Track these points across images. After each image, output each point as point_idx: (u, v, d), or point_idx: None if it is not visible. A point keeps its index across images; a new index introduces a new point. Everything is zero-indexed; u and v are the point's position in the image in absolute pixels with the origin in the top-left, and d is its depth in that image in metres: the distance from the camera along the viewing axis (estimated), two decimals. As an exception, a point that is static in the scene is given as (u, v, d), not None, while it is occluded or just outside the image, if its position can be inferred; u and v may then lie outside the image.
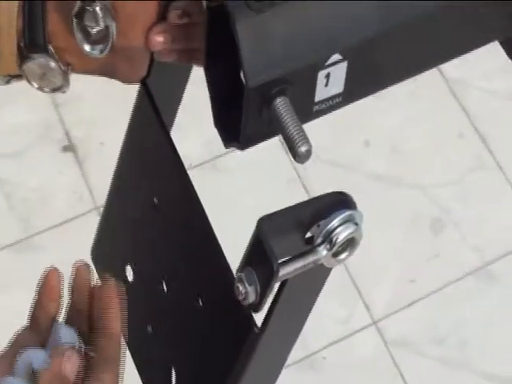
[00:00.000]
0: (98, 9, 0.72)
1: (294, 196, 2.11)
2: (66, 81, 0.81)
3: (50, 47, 0.79)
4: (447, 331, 2.07)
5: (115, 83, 0.83)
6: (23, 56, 0.78)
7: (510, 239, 2.18)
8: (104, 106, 2.12)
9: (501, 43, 0.77)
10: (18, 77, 0.83)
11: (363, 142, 2.26)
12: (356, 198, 2.06)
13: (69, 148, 2.20)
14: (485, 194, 2.23)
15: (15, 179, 2.15)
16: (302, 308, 0.75)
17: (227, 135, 0.69)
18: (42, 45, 0.78)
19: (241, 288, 0.66)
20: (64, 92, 0.83)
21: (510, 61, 2.36)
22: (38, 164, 2.18)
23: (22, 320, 0.78)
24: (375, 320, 2.07)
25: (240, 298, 0.66)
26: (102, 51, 0.76)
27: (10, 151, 2.18)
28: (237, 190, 2.10)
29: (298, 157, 0.63)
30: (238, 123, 0.66)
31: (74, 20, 0.75)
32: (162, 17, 0.76)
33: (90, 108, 2.22)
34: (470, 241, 2.17)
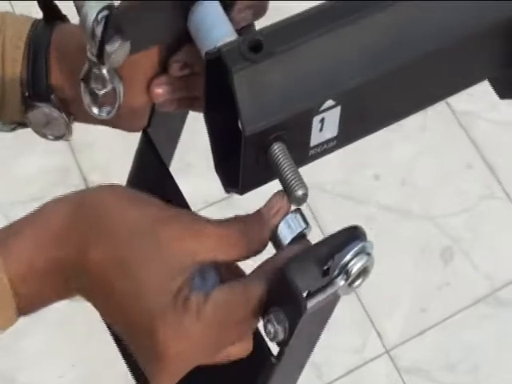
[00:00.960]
0: (104, 71, 0.74)
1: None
2: (69, 130, 0.84)
3: (53, 97, 0.81)
4: (459, 358, 2.08)
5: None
6: (27, 105, 0.81)
7: (517, 266, 2.21)
8: (118, 150, 2.15)
9: (489, 81, 0.77)
10: (24, 124, 0.85)
11: (373, 175, 2.29)
12: (367, 230, 2.10)
13: (86, 192, 2.21)
14: (494, 222, 2.25)
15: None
16: (314, 335, 0.74)
17: (227, 181, 0.70)
18: (45, 95, 0.80)
19: (270, 328, 0.66)
20: (67, 140, 0.86)
21: None
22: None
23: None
24: (388, 349, 2.09)
25: (269, 337, 0.66)
26: (109, 113, 0.77)
27: (29, 198, 2.20)
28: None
29: (295, 200, 0.64)
30: (237, 169, 0.66)
31: (82, 84, 0.76)
32: (163, 69, 0.77)
33: (105, 152, 2.26)
34: (480, 268, 2.18)
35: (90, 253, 0.63)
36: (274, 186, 0.68)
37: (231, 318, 0.64)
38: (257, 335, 0.69)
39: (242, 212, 2.13)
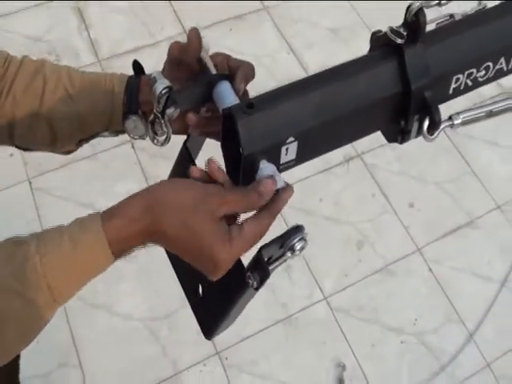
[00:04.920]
0: (163, 122, 0.73)
1: (279, 229, 2.15)
2: (146, 132, 0.81)
3: (140, 111, 0.80)
4: (365, 303, 2.10)
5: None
6: (125, 116, 0.80)
7: (399, 251, 2.21)
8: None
9: (381, 132, 0.75)
10: (121, 132, 0.83)
11: (319, 199, 2.28)
12: (314, 231, 2.08)
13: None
14: (387, 227, 2.26)
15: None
16: None
17: (233, 181, 0.68)
18: (135, 110, 0.80)
19: (249, 281, 0.67)
20: (144, 139, 0.82)
21: (401, 152, 2.39)
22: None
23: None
24: (326, 297, 2.09)
25: (249, 286, 0.68)
26: (162, 144, 0.77)
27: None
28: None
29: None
30: (238, 175, 0.66)
31: (149, 125, 0.76)
32: (196, 111, 0.76)
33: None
34: (378, 252, 2.19)
35: (163, 225, 0.63)
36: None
37: (255, 239, 0.65)
38: (242, 276, 0.69)
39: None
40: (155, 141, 0.77)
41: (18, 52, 0.86)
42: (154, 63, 2.86)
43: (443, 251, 2.23)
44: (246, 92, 0.76)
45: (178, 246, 0.65)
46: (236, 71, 0.75)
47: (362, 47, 2.92)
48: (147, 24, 2.66)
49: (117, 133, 0.84)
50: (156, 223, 0.63)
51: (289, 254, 0.67)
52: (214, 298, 0.75)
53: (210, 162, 0.67)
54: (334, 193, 2.32)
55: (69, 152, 0.88)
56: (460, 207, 2.34)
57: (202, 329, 0.79)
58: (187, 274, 0.68)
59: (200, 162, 0.80)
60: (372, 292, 2.13)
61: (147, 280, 2.03)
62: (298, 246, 0.66)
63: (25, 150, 0.87)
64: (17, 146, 0.86)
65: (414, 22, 0.65)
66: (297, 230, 0.67)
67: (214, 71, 0.75)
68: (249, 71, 0.75)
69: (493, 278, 2.20)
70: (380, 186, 2.35)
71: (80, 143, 0.86)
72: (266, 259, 0.67)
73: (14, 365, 1.03)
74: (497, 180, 2.42)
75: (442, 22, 0.75)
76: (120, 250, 0.63)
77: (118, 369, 1.91)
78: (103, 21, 2.64)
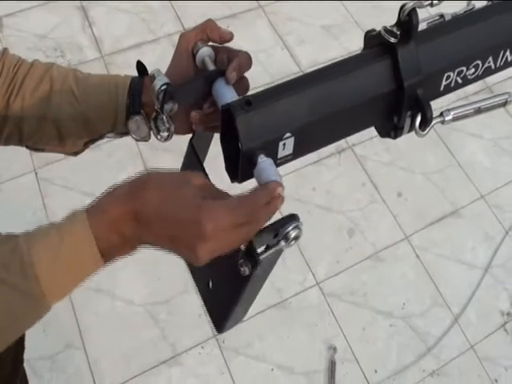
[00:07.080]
0: (165, 117, 0.73)
1: (274, 217, 2.16)
2: (148, 134, 0.80)
3: (142, 112, 0.79)
4: (356, 288, 2.10)
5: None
6: (128, 117, 0.78)
7: (388, 239, 2.21)
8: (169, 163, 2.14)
9: (375, 128, 0.74)
10: (126, 134, 0.82)
11: (312, 188, 2.27)
12: (308, 219, 2.07)
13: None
14: (376, 215, 2.25)
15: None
16: (268, 270, 0.70)
17: (232, 175, 0.68)
18: (138, 110, 0.78)
19: (241, 268, 0.65)
20: (146, 141, 0.81)
21: (390, 144, 2.38)
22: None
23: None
24: (318, 282, 2.09)
25: (242, 272, 0.65)
26: (165, 140, 0.76)
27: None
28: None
29: None
30: (237, 169, 0.65)
31: (152, 122, 0.75)
32: (199, 108, 0.73)
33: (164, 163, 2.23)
34: (368, 240, 2.19)
35: (145, 200, 0.59)
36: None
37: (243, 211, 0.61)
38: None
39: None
40: (158, 136, 0.76)
41: (26, 48, 0.85)
42: (154, 58, 2.85)
43: (430, 239, 2.23)
44: (245, 80, 0.74)
45: (163, 223, 0.59)
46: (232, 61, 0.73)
47: (351, 43, 2.93)
48: (148, 21, 2.64)
49: (121, 134, 0.83)
50: (138, 199, 0.59)
51: (283, 243, 0.64)
52: (222, 293, 0.74)
53: None
54: (326, 182, 2.31)
55: (76, 153, 0.86)
56: (446, 197, 2.33)
57: (213, 323, 0.78)
58: (200, 271, 0.66)
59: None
60: (362, 278, 2.12)
61: (148, 266, 2.02)
62: (292, 235, 0.63)
63: (35, 150, 0.86)
64: (27, 147, 0.85)
65: (407, 21, 0.64)
66: (291, 218, 0.65)
67: (212, 67, 0.73)
68: (244, 61, 0.73)
69: (476, 265, 2.20)
70: (370, 176, 2.34)
71: (87, 144, 0.84)
72: (260, 248, 0.64)
73: (20, 344, 1.02)
74: (480, 171, 2.41)
75: (433, 21, 0.74)
76: (107, 244, 0.59)
77: (120, 351, 1.91)
78: (106, 19, 2.63)
